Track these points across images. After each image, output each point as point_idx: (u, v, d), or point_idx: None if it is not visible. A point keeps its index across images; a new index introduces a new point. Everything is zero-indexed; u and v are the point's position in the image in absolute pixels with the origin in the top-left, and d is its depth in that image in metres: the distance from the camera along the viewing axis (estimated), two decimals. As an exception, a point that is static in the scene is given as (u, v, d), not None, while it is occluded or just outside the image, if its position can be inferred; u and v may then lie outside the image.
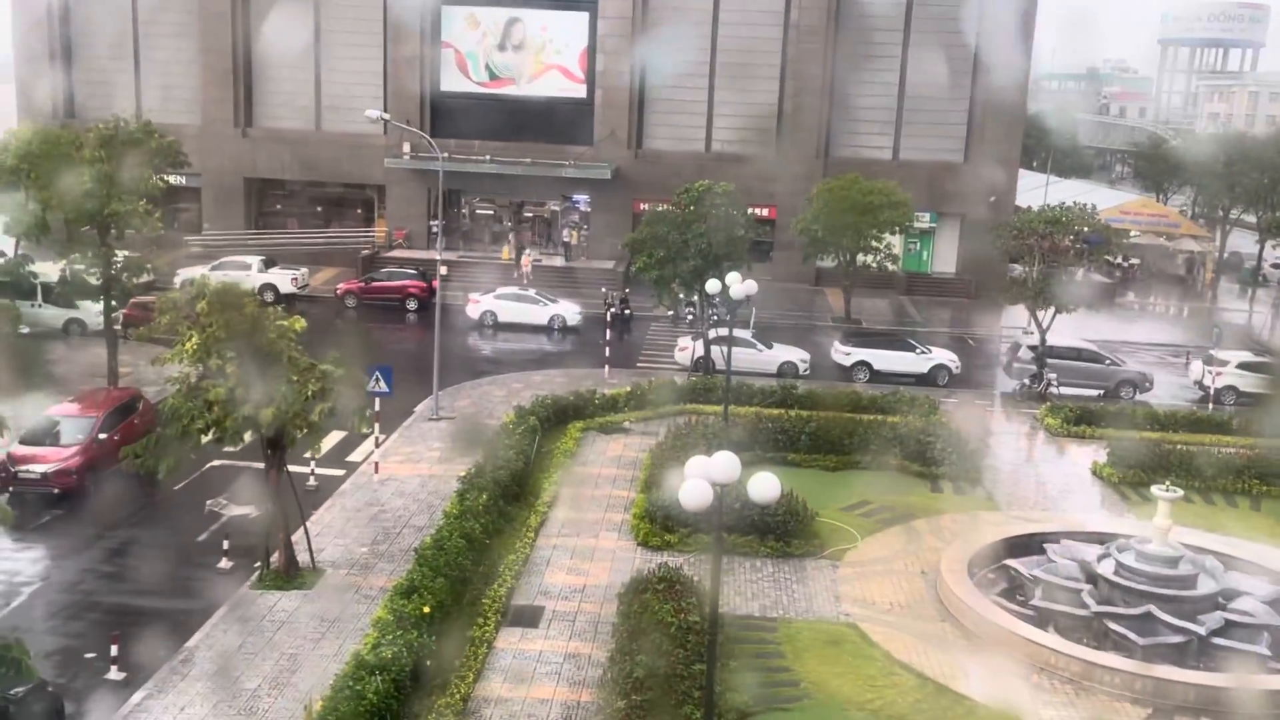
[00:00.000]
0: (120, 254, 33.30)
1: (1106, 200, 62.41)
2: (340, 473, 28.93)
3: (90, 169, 31.60)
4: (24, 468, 26.31)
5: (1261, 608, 21.32)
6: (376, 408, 28.63)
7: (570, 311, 46.91)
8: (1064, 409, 35.25)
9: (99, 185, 31.10)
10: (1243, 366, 40.32)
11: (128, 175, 32.29)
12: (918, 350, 41.44)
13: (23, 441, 27.01)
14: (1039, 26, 58.34)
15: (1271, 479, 29.75)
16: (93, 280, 33.12)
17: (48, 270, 37.68)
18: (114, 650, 19.15)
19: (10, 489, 25.95)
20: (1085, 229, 40.53)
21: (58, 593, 22.35)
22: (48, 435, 27.52)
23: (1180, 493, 22.75)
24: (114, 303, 33.56)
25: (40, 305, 40.05)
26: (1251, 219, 67.11)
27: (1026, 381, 39.23)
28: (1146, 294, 63.28)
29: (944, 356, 41.40)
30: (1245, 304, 61.28)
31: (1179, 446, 31.32)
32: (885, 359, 40.80)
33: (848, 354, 40.88)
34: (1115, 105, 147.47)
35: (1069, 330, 41.49)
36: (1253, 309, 59.98)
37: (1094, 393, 39.51)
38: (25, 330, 34.82)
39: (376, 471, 28.72)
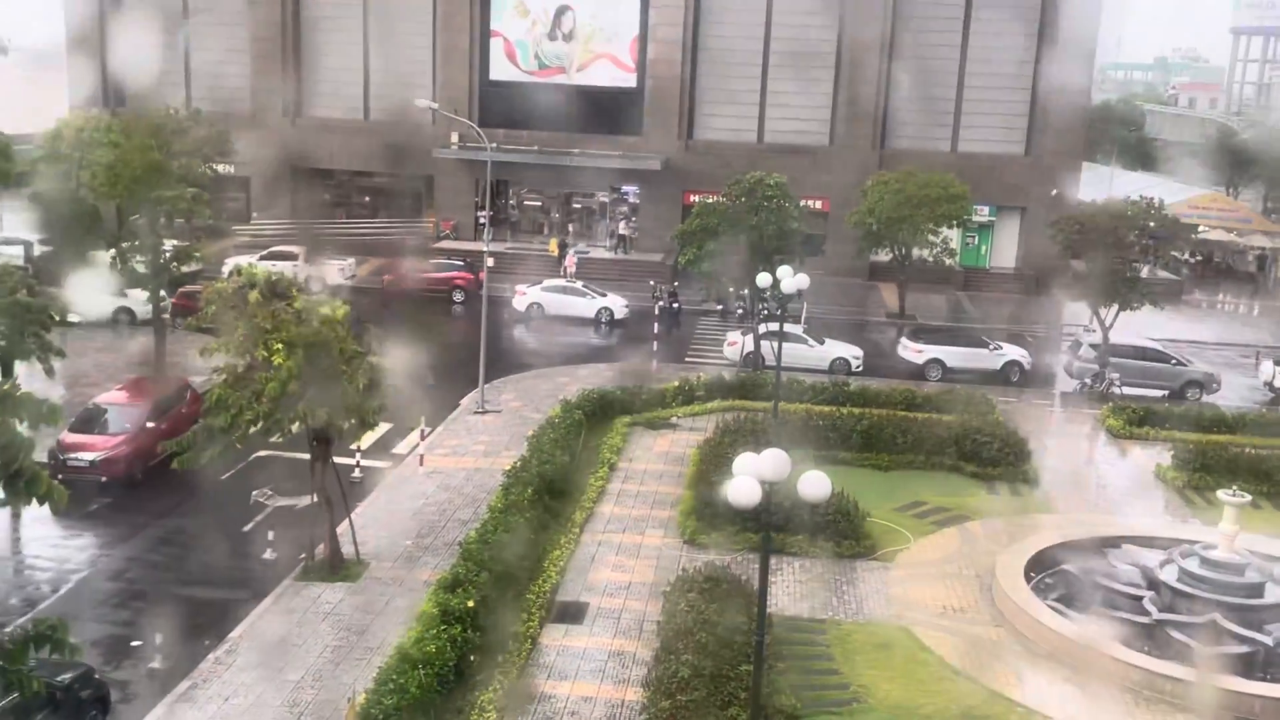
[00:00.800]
0: (169, 243, 33.90)
1: (1174, 194, 61.44)
2: (385, 465, 29.26)
3: (140, 157, 32.21)
4: (73, 455, 26.90)
5: (1332, 618, 20.91)
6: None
7: (618, 304, 47.01)
8: (1126, 409, 34.76)
9: (148, 173, 31.67)
10: (1316, 367, 39.57)
11: (177, 163, 32.90)
12: (990, 346, 41.20)
13: (72, 429, 27.65)
14: (1105, 14, 57.49)
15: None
16: (141, 269, 33.75)
17: (98, 259, 38.35)
18: (159, 639, 19.52)
19: (59, 476, 26.47)
20: (1151, 224, 39.92)
21: (105, 580, 22.83)
22: (96, 423, 28.09)
23: (1248, 498, 22.36)
24: (162, 292, 34.17)
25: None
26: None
27: (1088, 381, 38.73)
28: (1215, 291, 62.21)
29: (1016, 353, 41.12)
30: (1319, 303, 60.06)
31: (1247, 450, 30.76)
32: (958, 355, 40.60)
33: (920, 351, 40.59)
34: (1184, 96, 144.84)
35: (1133, 328, 40.91)
36: (1327, 308, 58.73)
37: (1158, 393, 38.93)
38: (76, 318, 35.52)
39: (421, 464, 28.98)
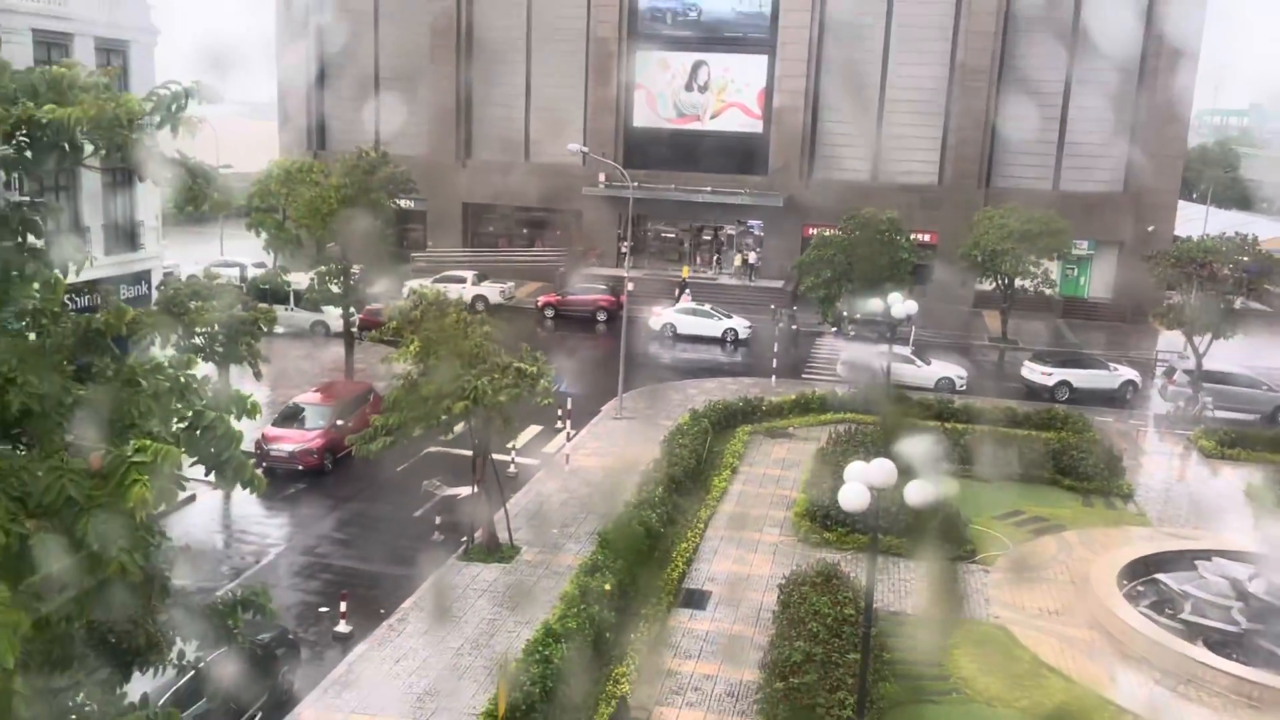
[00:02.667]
0: (357, 267, 35.12)
1: (1268, 231, 58.06)
2: (536, 463, 29.66)
3: (335, 193, 33.49)
4: (274, 446, 28.06)
5: None
6: (569, 406, 29.22)
7: (742, 325, 46.80)
8: (1218, 432, 32.95)
9: (343, 207, 32.89)
10: None
11: (366, 199, 34.07)
12: (1110, 368, 40.12)
13: (274, 424, 28.86)
14: (1202, 63, 54.78)
15: None
16: (335, 289, 35.03)
17: (299, 279, 40.01)
18: (343, 606, 20.16)
19: (263, 465, 27.63)
20: (1245, 258, 37.85)
21: (298, 555, 23.70)
22: (295, 419, 29.23)
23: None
24: (351, 308, 35.41)
25: (292, 309, 42.59)
26: None
27: (1181, 404, 36.90)
28: None
29: (1130, 373, 39.94)
30: None
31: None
32: (1084, 377, 39.55)
33: (1049, 374, 39.48)
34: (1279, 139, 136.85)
35: (1225, 356, 38.82)
36: None
37: (1250, 417, 36.81)
38: (280, 330, 37.08)
39: (567, 463, 29.30)
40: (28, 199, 10.09)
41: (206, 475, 9.05)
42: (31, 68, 9.29)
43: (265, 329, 28.16)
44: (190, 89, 8.52)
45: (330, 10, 61.38)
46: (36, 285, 9.45)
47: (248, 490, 9.14)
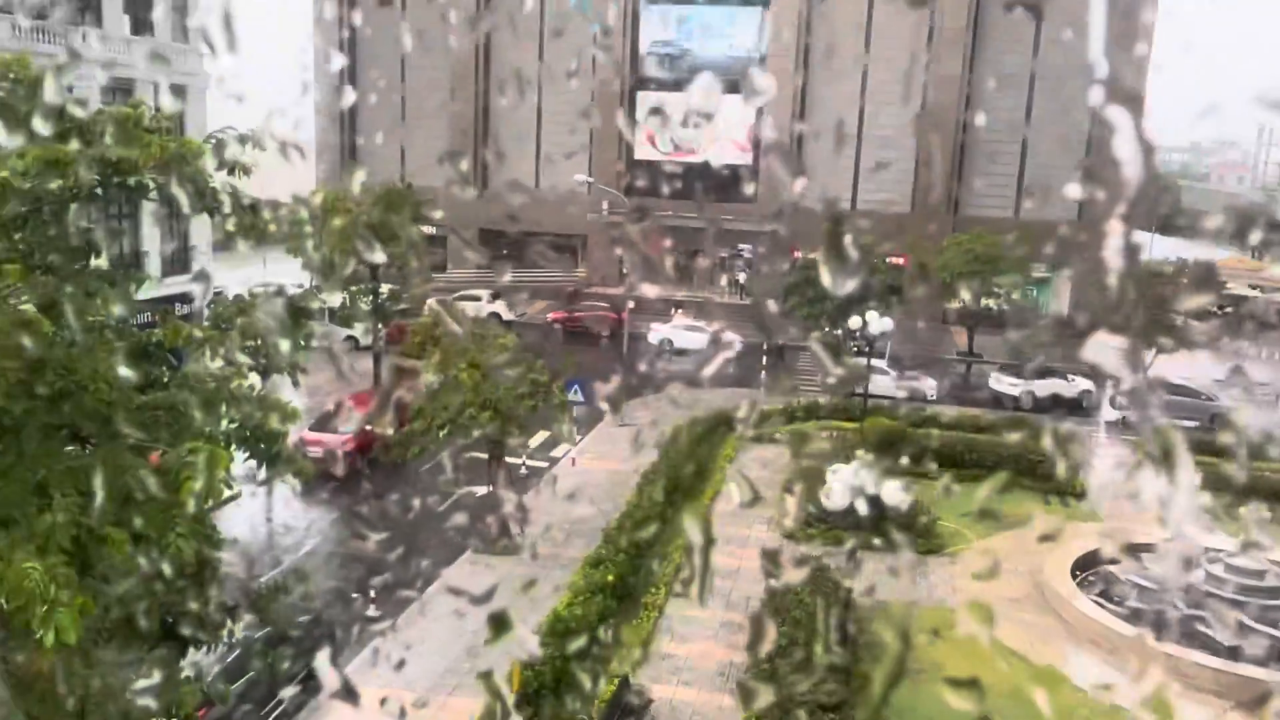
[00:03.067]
0: (385, 287, 35.35)
1: (1206, 257, 58.40)
2: (545, 464, 29.79)
3: (365, 221, 33.71)
4: (311, 448, 28.17)
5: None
6: (575, 413, 29.36)
7: (735, 340, 46.89)
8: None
9: (370, 234, 33.12)
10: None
11: (391, 226, 34.27)
12: (1069, 378, 40.43)
13: (311, 429, 28.99)
14: (1149, 109, 55.17)
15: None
16: (364, 307, 35.25)
17: (332, 298, 40.15)
18: (372, 593, 20.29)
19: (300, 464, 27.70)
20: (1184, 281, 38.10)
21: (333, 546, 23.82)
22: (329, 424, 29.36)
23: (1268, 515, 21.05)
24: (379, 324, 35.60)
25: (326, 325, 42.71)
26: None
27: (1128, 412, 37.11)
28: (1241, 339, 58.69)
29: (1086, 384, 40.28)
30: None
31: (1266, 474, 28.89)
32: (1047, 386, 39.78)
33: (1014, 384, 39.73)
34: (1215, 174, 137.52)
35: (1170, 369, 39.02)
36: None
37: (1190, 424, 36.91)
38: (315, 344, 37.19)
39: (573, 465, 29.43)
40: (95, 227, 10.31)
41: (259, 469, 9.25)
42: (101, 109, 9.52)
43: (304, 344, 28.28)
44: (246, 135, 8.74)
45: (362, 53, 61.82)
46: (101, 302, 9.66)
47: (297, 478, 9.35)
